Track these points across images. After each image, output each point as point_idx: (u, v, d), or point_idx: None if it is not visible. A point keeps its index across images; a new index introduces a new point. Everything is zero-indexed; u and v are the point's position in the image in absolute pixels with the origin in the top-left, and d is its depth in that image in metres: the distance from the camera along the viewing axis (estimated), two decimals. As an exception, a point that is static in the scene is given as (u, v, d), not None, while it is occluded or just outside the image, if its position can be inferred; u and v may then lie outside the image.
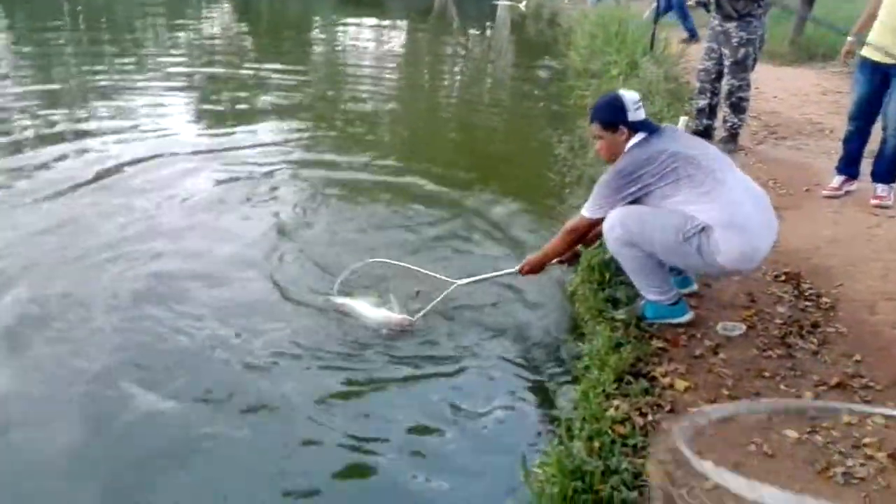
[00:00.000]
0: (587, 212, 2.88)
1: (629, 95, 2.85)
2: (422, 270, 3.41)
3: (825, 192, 4.58)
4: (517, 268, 3.17)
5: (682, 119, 5.45)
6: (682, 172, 2.69)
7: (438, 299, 3.22)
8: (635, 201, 2.78)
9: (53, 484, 2.24)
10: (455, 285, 3.26)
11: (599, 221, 2.87)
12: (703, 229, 2.67)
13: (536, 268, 3.14)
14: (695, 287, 3.36)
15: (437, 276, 3.34)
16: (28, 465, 2.30)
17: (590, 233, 3.03)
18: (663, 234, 2.73)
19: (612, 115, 2.82)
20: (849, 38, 4.78)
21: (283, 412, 2.61)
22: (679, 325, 3.02)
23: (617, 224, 2.79)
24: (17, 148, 5.41)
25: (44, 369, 2.76)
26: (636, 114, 2.80)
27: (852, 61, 4.78)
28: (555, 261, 3.16)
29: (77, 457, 2.34)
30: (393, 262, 3.54)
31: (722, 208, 2.67)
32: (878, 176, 4.42)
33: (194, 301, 3.31)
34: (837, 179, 4.62)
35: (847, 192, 4.58)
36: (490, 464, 2.39)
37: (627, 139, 2.81)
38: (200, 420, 2.54)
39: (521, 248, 4.04)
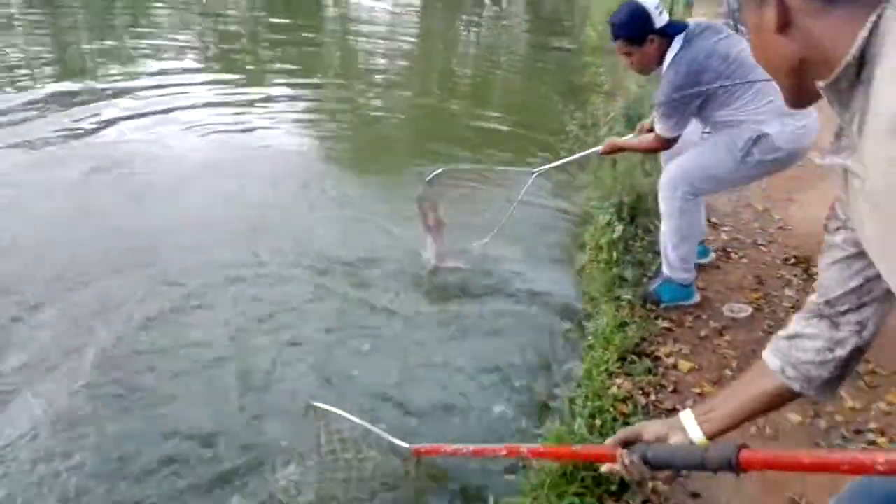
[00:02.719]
0: (665, 133, 2.77)
1: (647, 1, 2.66)
2: (497, 168, 3.74)
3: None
4: (600, 148, 3.15)
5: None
6: (735, 76, 2.62)
7: (520, 196, 3.45)
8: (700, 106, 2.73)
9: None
10: (535, 173, 3.38)
11: (678, 137, 2.81)
12: (755, 140, 2.63)
13: (616, 151, 3.19)
14: (712, 256, 3.42)
15: (512, 169, 3.63)
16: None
17: (672, 146, 2.91)
18: (721, 165, 2.70)
19: (637, 30, 2.65)
20: None
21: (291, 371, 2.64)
22: (686, 306, 3.03)
23: (678, 181, 2.76)
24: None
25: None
26: (661, 18, 2.64)
27: None
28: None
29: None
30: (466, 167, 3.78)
31: (775, 101, 2.60)
32: None
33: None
34: None
35: None
36: (491, 438, 2.39)
37: (661, 47, 2.68)
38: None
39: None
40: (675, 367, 2.60)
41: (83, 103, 5.56)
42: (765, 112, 2.63)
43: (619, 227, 3.47)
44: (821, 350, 1.06)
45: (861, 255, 0.94)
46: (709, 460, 1.04)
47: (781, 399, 1.14)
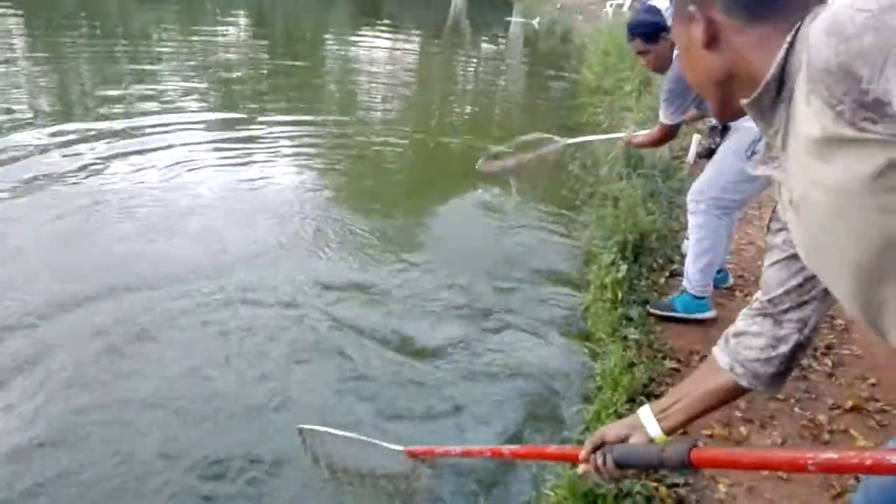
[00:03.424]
0: (666, 119, 3.06)
1: (660, 3, 2.94)
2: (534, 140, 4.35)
3: None
4: (625, 137, 3.63)
5: (696, 137, 5.44)
6: None
7: (555, 147, 4.02)
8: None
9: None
10: (563, 143, 3.90)
11: (678, 126, 3.10)
12: (758, 139, 2.71)
13: (630, 145, 3.62)
14: (731, 281, 3.58)
15: (552, 137, 4.13)
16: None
17: (674, 135, 3.28)
18: (732, 170, 2.85)
19: (653, 27, 2.91)
20: None
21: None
22: (693, 339, 3.03)
23: (698, 194, 2.98)
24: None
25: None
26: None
27: None
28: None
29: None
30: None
31: None
32: None
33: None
34: None
35: None
36: (501, 485, 2.37)
37: (673, 44, 2.85)
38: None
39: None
40: (684, 407, 2.59)
41: (81, 140, 5.60)
42: None
43: (623, 267, 3.49)
44: (765, 347, 1.11)
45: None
46: (665, 459, 1.09)
47: (733, 394, 1.19)
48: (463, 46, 16.32)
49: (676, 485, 2.17)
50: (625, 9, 18.58)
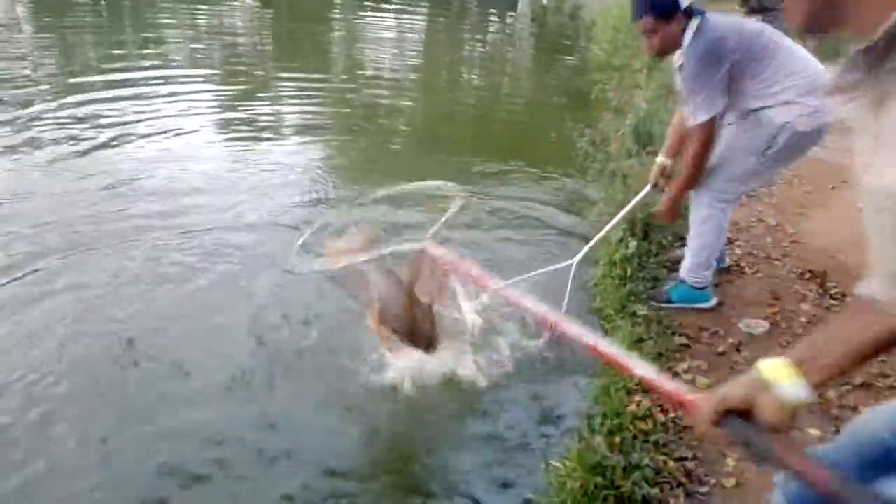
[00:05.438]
0: (704, 114, 2.68)
1: None
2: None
3: None
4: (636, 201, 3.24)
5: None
6: (753, 47, 2.65)
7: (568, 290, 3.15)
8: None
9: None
10: (574, 263, 3.17)
11: (714, 121, 2.73)
12: (776, 133, 2.68)
13: (676, 203, 2.99)
14: (727, 262, 3.49)
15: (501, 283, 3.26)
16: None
17: (712, 132, 2.78)
18: (742, 165, 2.81)
19: (670, 4, 2.70)
20: None
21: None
22: (702, 316, 3.02)
23: (702, 187, 2.89)
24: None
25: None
26: (684, 0, 2.71)
27: None
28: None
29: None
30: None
31: (804, 77, 2.64)
32: None
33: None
34: None
35: None
36: (511, 458, 2.38)
37: (682, 28, 2.71)
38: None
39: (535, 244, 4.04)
40: (693, 383, 2.59)
41: (87, 115, 5.68)
42: (790, 90, 2.63)
43: (633, 243, 3.47)
44: None
45: None
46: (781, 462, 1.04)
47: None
48: (469, 21, 16.17)
49: (685, 458, 2.18)
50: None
